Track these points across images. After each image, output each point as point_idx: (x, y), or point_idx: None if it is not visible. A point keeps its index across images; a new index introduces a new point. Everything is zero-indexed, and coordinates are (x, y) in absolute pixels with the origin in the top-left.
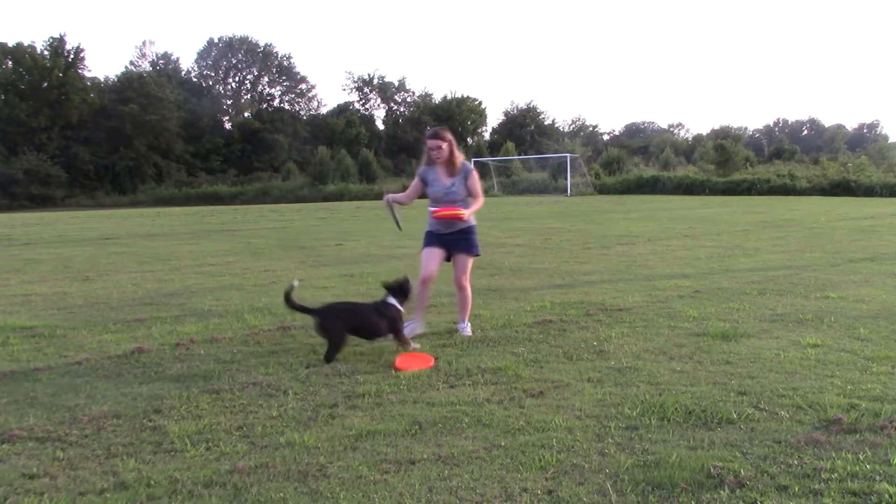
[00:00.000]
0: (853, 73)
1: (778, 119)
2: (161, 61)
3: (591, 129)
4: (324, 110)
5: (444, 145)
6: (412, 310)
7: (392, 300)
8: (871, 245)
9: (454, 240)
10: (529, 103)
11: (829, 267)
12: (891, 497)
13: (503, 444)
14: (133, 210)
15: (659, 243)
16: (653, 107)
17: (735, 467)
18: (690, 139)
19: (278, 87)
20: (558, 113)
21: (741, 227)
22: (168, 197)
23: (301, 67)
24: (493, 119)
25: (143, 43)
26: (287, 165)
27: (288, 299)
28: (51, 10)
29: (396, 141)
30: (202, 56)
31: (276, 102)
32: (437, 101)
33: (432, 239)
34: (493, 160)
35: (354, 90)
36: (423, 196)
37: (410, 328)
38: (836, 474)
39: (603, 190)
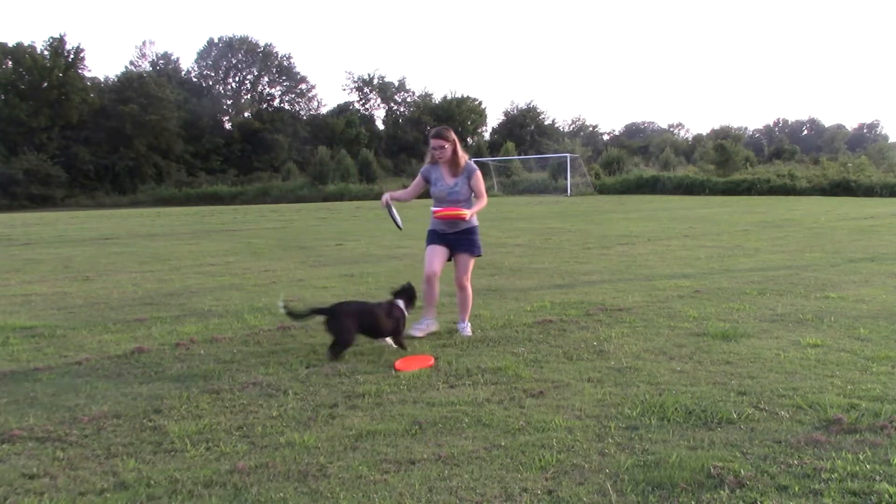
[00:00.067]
0: (853, 73)
1: (778, 119)
2: (161, 61)
3: (591, 129)
4: (324, 110)
5: (447, 145)
6: (419, 309)
7: (400, 302)
8: (871, 245)
9: (456, 240)
10: (529, 103)
11: (829, 267)
12: (891, 497)
13: (503, 444)
14: (133, 210)
15: (659, 243)
16: (653, 107)
17: (735, 467)
18: (690, 139)
19: (278, 87)
20: (558, 113)
21: (741, 227)
22: (168, 197)
23: (301, 67)
24: (493, 119)
25: (143, 43)
26: (287, 165)
27: (292, 314)
28: (51, 10)
29: (396, 141)
30: (202, 56)
31: (276, 102)
32: (437, 101)
33: (435, 237)
34: (493, 160)
35: (354, 90)
36: (424, 196)
37: (425, 325)
38: (836, 474)
39: (603, 190)
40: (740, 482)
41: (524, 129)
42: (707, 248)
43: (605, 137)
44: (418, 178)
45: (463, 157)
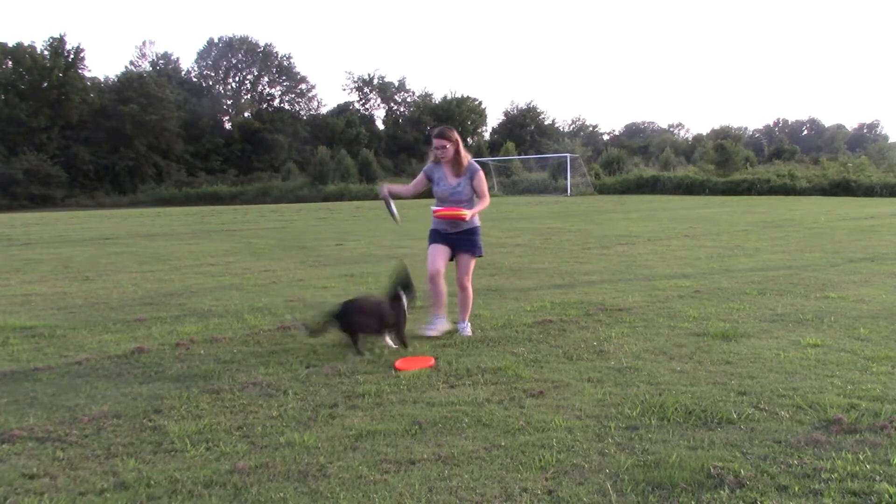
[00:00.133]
0: (853, 73)
1: (778, 119)
2: (161, 61)
3: (591, 129)
4: (324, 110)
5: (449, 145)
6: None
7: (403, 295)
8: (871, 245)
9: (458, 240)
10: (529, 103)
11: (829, 267)
12: (891, 497)
13: (503, 444)
14: (133, 210)
15: (659, 243)
16: (653, 107)
17: (735, 467)
18: (690, 139)
19: (278, 87)
20: (558, 113)
21: (741, 227)
22: (168, 197)
23: (301, 67)
24: (493, 119)
25: (143, 43)
26: (287, 165)
27: (314, 333)
28: (51, 10)
29: (396, 141)
30: (202, 56)
31: (276, 102)
32: (437, 101)
33: (437, 237)
34: (493, 160)
35: (354, 90)
36: (424, 196)
37: (438, 324)
38: (836, 474)
39: (603, 190)
40: (740, 482)
41: (524, 129)
42: (707, 248)
43: (605, 137)
44: (420, 176)
45: (466, 157)
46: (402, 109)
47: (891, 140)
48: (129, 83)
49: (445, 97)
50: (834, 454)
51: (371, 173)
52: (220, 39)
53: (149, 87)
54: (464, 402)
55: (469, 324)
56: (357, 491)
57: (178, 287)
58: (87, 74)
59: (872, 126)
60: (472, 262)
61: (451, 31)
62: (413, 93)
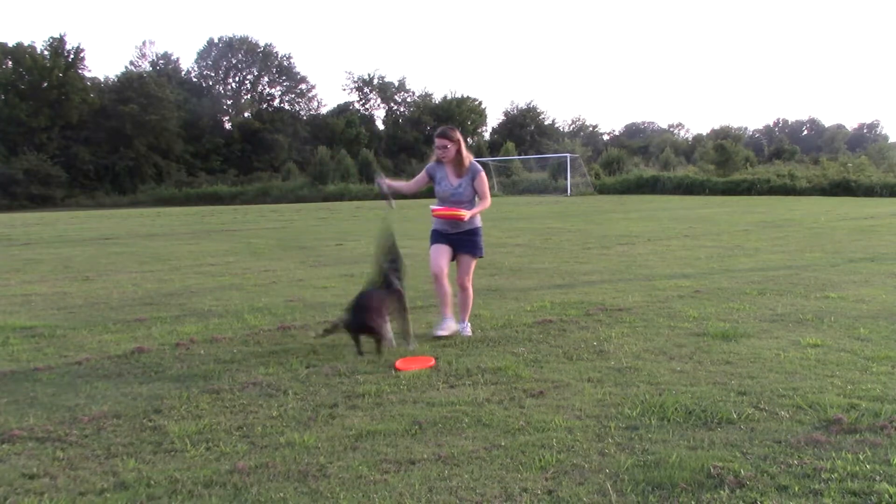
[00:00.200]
0: (853, 73)
1: (778, 119)
2: (161, 61)
3: (591, 129)
4: (324, 110)
5: (450, 145)
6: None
7: (395, 281)
8: (871, 245)
9: (459, 240)
10: (529, 103)
11: (829, 267)
12: (891, 497)
13: (503, 444)
14: (133, 210)
15: (659, 243)
16: (653, 107)
17: (735, 467)
18: (690, 139)
19: (278, 87)
20: (558, 113)
21: (741, 227)
22: (168, 197)
23: (301, 67)
24: (493, 119)
25: (143, 43)
26: (287, 165)
27: (327, 332)
28: (51, 10)
29: (396, 141)
30: (202, 56)
31: (276, 102)
32: (437, 101)
33: (438, 237)
34: (493, 160)
35: (354, 90)
36: (424, 196)
37: (447, 324)
38: (836, 474)
39: (603, 190)
40: (740, 482)
41: (524, 129)
42: (707, 248)
43: (605, 137)
44: (422, 174)
45: (468, 157)
46: (402, 109)
47: (891, 140)
48: (129, 83)
49: (445, 97)
50: (834, 454)
51: (371, 173)
52: (220, 39)
53: (149, 87)
54: (464, 402)
55: (469, 324)
56: (357, 491)
57: (178, 287)
58: (87, 74)
59: (872, 126)
60: (473, 263)
61: (451, 31)
62: (413, 93)
